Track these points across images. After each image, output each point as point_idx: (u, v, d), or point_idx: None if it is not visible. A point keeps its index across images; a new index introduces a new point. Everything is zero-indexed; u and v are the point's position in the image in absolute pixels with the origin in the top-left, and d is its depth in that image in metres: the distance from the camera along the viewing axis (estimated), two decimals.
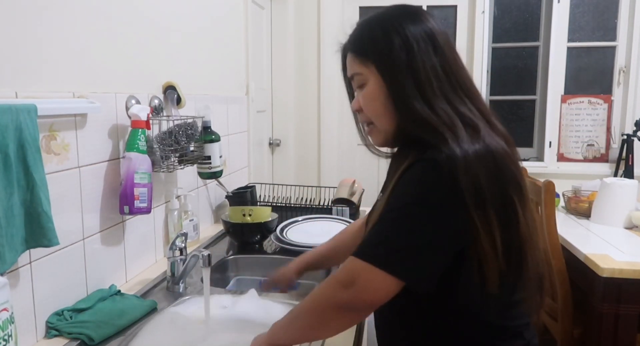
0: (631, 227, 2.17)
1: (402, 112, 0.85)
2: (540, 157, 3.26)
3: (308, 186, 2.17)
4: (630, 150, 2.94)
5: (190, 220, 1.67)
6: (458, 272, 0.82)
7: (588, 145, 3.22)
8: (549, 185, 1.91)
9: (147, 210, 1.29)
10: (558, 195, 2.42)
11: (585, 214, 2.35)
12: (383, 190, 1.06)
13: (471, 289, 0.83)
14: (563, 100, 3.20)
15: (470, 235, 0.78)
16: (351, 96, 1.00)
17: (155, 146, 1.39)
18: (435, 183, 0.77)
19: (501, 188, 0.79)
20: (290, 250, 1.61)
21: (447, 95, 0.84)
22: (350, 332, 1.09)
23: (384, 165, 1.15)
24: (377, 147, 1.01)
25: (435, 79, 0.84)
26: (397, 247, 0.78)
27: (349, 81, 0.98)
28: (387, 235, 0.80)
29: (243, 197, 1.98)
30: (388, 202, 0.83)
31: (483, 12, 3.13)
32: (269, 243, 1.73)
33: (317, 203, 2.09)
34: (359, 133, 1.01)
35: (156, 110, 1.47)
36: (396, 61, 0.85)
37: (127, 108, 1.32)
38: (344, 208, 1.98)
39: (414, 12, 0.90)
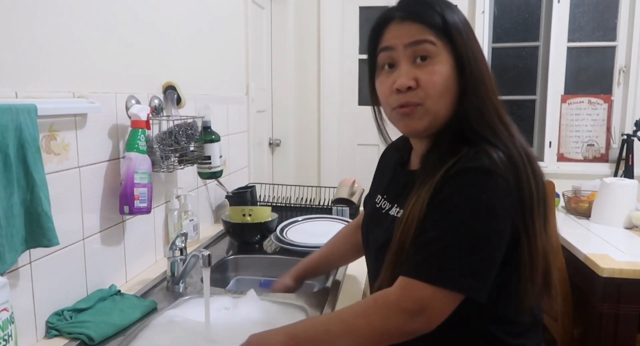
0: (631, 227, 2.17)
1: (480, 110, 0.82)
2: (540, 157, 3.25)
3: (308, 186, 2.16)
4: (630, 150, 2.94)
5: (190, 220, 1.67)
6: (499, 278, 0.80)
7: (588, 145, 3.22)
8: (549, 185, 1.89)
9: (147, 210, 1.29)
10: (558, 195, 2.42)
11: (585, 214, 2.35)
12: (381, 192, 1.02)
13: (502, 291, 0.82)
14: (563, 100, 3.20)
15: (516, 242, 0.78)
16: (373, 93, 0.92)
17: (155, 146, 1.39)
18: (494, 194, 0.75)
19: (540, 196, 0.79)
20: (290, 250, 1.61)
21: (498, 98, 0.85)
22: None
23: None
24: (386, 132, 0.96)
25: (492, 76, 0.85)
26: (462, 265, 0.75)
27: (375, 53, 0.88)
28: (451, 254, 0.75)
29: (243, 197, 1.98)
30: (438, 215, 0.78)
31: (483, 12, 3.13)
32: (269, 243, 1.73)
33: (317, 203, 2.09)
34: (378, 129, 0.96)
35: (156, 110, 1.47)
36: (477, 51, 0.84)
37: (127, 108, 1.32)
38: (344, 208, 1.98)
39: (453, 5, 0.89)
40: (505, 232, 0.77)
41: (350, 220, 1.86)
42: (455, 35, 0.82)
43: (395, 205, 0.92)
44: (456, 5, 0.88)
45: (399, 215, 0.86)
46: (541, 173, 0.82)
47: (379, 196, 1.01)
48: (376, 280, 0.88)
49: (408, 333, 0.77)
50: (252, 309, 1.13)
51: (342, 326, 0.79)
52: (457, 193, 0.77)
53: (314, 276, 1.26)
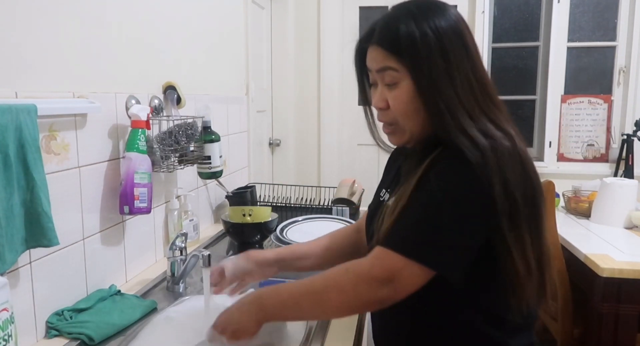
0: (631, 227, 2.17)
1: (442, 121, 0.82)
2: (540, 157, 3.25)
3: (308, 186, 2.16)
4: (630, 150, 2.94)
5: (190, 220, 1.67)
6: (481, 271, 0.81)
7: (588, 145, 3.22)
8: (549, 185, 1.91)
9: (147, 210, 1.29)
10: (558, 195, 2.42)
11: (585, 214, 2.35)
12: (385, 186, 1.04)
13: (492, 288, 0.82)
14: (563, 100, 3.20)
15: (500, 247, 0.78)
16: (363, 93, 0.96)
17: (155, 146, 1.39)
18: (478, 184, 0.76)
19: (532, 196, 0.79)
20: None
21: (479, 101, 0.83)
22: (351, 330, 1.09)
23: (384, 164, 1.14)
24: (387, 143, 0.98)
25: (469, 86, 0.82)
26: (434, 242, 0.77)
27: (362, 76, 0.94)
28: (424, 229, 0.78)
29: (243, 197, 1.98)
30: (416, 196, 0.80)
31: (483, 12, 3.13)
32: (269, 243, 1.73)
33: (317, 203, 2.09)
34: (369, 128, 0.99)
35: (156, 110, 1.47)
36: (435, 68, 0.82)
37: (127, 108, 1.31)
38: (344, 208, 1.98)
39: (443, 8, 0.86)
40: (479, 221, 0.77)
41: (350, 220, 1.86)
42: (411, 56, 0.83)
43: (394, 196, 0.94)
44: (437, 9, 0.86)
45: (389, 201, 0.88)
46: (530, 176, 0.80)
47: (383, 190, 1.04)
48: None
49: (377, 301, 0.79)
50: None
51: (312, 298, 0.81)
52: (439, 174, 0.80)
53: (297, 268, 1.14)
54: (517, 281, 0.79)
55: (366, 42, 0.90)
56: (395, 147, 1.08)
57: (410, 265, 0.77)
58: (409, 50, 0.83)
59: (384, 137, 0.97)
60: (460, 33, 0.85)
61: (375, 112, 0.95)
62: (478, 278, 0.82)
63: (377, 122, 0.97)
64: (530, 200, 0.79)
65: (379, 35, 0.87)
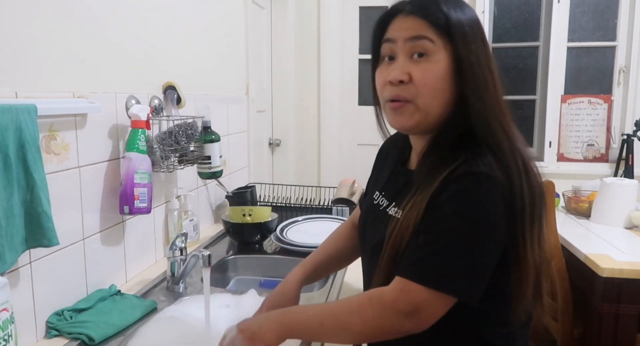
0: (631, 227, 2.17)
1: (477, 108, 0.79)
2: (540, 157, 3.25)
3: (308, 186, 2.16)
4: (630, 150, 2.94)
5: (190, 220, 1.67)
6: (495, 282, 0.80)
7: (588, 145, 3.22)
8: (549, 185, 1.91)
9: (147, 210, 1.29)
10: (558, 195, 2.42)
11: (585, 214, 2.35)
12: (379, 188, 1.00)
13: (492, 292, 0.81)
14: (563, 100, 3.20)
15: (512, 251, 0.78)
16: (375, 60, 0.89)
17: (155, 146, 1.39)
18: (489, 200, 0.75)
19: (536, 208, 0.78)
20: (290, 250, 1.61)
21: (503, 97, 0.82)
22: None
23: None
24: (386, 129, 0.95)
25: (492, 80, 0.81)
26: (457, 269, 0.76)
27: (378, 44, 0.87)
28: (445, 257, 0.76)
29: (243, 197, 1.98)
30: (432, 220, 0.78)
31: (483, 12, 3.13)
32: (269, 243, 1.73)
33: (317, 203, 2.09)
34: (379, 129, 0.96)
35: (156, 110, 1.47)
36: (475, 50, 0.80)
37: (127, 108, 1.32)
38: (344, 208, 1.98)
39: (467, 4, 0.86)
40: (500, 238, 0.77)
41: None
42: (456, 35, 0.80)
43: (394, 204, 0.91)
44: (468, 5, 0.85)
45: (397, 214, 0.85)
46: (538, 185, 0.80)
47: (377, 192, 1.00)
48: (371, 277, 0.88)
49: (401, 332, 0.78)
50: (253, 307, 1.12)
51: (335, 322, 0.80)
52: (453, 197, 0.76)
53: (317, 280, 1.19)
54: (525, 277, 0.79)
55: (396, 13, 0.85)
56: (386, 139, 1.05)
57: (434, 295, 0.75)
58: (455, 25, 0.80)
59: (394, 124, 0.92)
60: (481, 27, 0.85)
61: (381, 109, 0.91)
62: (491, 291, 0.81)
63: (387, 123, 0.92)
64: (533, 207, 0.78)
65: (418, 5, 0.83)
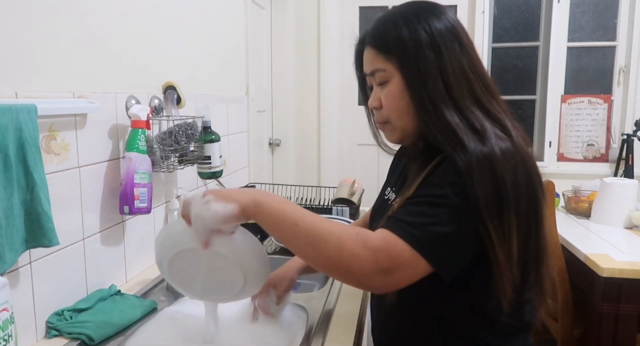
0: (631, 227, 2.17)
1: (428, 116, 0.82)
2: (540, 157, 3.25)
3: (308, 186, 2.17)
4: (630, 150, 2.94)
5: None
6: (476, 272, 0.80)
7: (588, 145, 3.22)
8: (549, 185, 1.91)
9: (147, 210, 1.29)
10: (558, 195, 2.42)
11: (585, 214, 2.35)
12: (390, 185, 1.05)
13: (485, 289, 0.81)
14: (563, 100, 3.20)
15: (485, 242, 0.76)
16: (363, 93, 0.97)
17: (155, 146, 1.39)
18: (456, 185, 0.75)
19: (528, 193, 0.77)
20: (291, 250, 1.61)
21: (477, 96, 0.82)
22: (350, 331, 1.09)
23: (384, 164, 1.14)
24: (388, 145, 0.98)
25: (464, 79, 0.82)
26: (436, 235, 0.75)
27: (363, 77, 0.95)
28: (429, 221, 0.75)
29: None
30: (420, 188, 0.80)
31: (483, 12, 3.13)
32: (269, 243, 1.73)
33: (317, 203, 2.09)
34: (371, 130, 0.99)
35: (156, 110, 1.47)
36: (424, 61, 0.82)
37: (127, 108, 1.32)
38: (344, 208, 1.98)
39: (436, 8, 0.87)
40: (470, 223, 0.75)
41: (350, 220, 1.86)
42: (398, 51, 0.84)
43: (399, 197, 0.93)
44: (429, 11, 0.86)
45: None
46: (535, 169, 0.79)
47: (388, 188, 1.04)
48: None
49: (364, 282, 0.76)
50: (251, 306, 1.12)
51: (311, 231, 0.76)
52: (437, 175, 0.79)
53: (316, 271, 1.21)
54: (497, 271, 0.77)
55: (361, 44, 0.93)
56: (397, 146, 1.09)
57: (415, 259, 0.74)
58: (396, 46, 0.84)
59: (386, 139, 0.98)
60: (454, 32, 0.85)
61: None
62: (470, 279, 0.81)
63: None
64: (520, 195, 0.76)
65: (370, 36, 0.89)
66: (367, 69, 0.90)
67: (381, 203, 1.03)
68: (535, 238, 0.79)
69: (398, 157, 1.13)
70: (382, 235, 0.76)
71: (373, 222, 1.03)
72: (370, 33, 0.89)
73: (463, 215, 0.75)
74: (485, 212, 0.74)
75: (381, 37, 0.87)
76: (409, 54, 0.83)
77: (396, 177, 1.05)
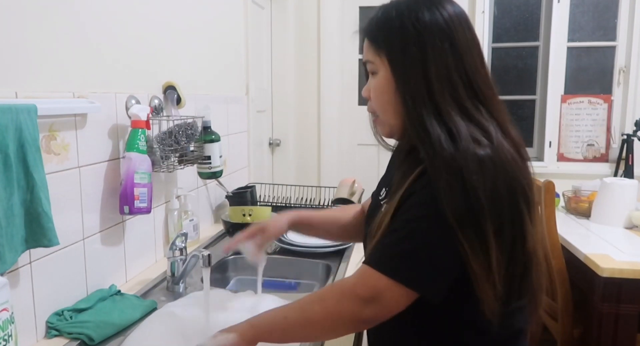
0: (631, 227, 2.17)
1: (407, 114, 0.81)
2: (540, 157, 3.26)
3: (308, 186, 2.17)
4: (630, 150, 2.94)
5: (190, 220, 1.67)
6: (461, 283, 0.78)
7: (588, 145, 3.21)
8: (549, 185, 1.91)
9: (147, 210, 1.29)
10: (558, 195, 2.42)
11: (585, 214, 2.35)
12: (386, 184, 1.04)
13: (471, 299, 0.79)
14: (563, 100, 3.20)
15: (462, 254, 0.74)
16: (367, 80, 0.96)
17: (155, 146, 1.39)
18: (430, 201, 0.75)
19: (510, 203, 0.74)
20: (290, 250, 1.61)
21: (460, 101, 0.79)
22: (349, 339, 1.09)
23: (384, 164, 1.13)
24: (384, 139, 0.97)
25: (448, 82, 0.79)
26: (416, 261, 0.75)
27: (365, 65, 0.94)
28: (406, 248, 0.76)
29: (243, 197, 1.98)
30: (399, 212, 0.79)
31: (483, 12, 3.12)
32: (269, 243, 1.73)
33: (317, 203, 2.09)
34: (370, 124, 0.98)
35: (156, 110, 1.47)
36: (409, 57, 0.80)
37: (127, 108, 1.32)
38: None
39: (434, 4, 0.82)
40: (448, 240, 0.74)
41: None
42: (387, 44, 0.84)
43: (387, 199, 0.93)
44: (425, 5, 0.82)
45: (384, 208, 0.87)
46: (517, 179, 0.76)
47: (384, 189, 1.02)
48: None
49: (361, 320, 0.78)
50: (253, 305, 1.12)
51: (299, 312, 0.80)
52: (416, 192, 0.78)
53: (306, 230, 1.19)
54: (475, 283, 0.75)
55: (363, 33, 0.92)
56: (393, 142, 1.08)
57: (394, 286, 0.75)
58: (386, 39, 0.84)
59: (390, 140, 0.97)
60: (446, 30, 0.80)
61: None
62: (457, 290, 0.79)
63: None
64: (500, 204, 0.73)
65: (366, 26, 0.89)
66: (363, 58, 0.91)
67: (376, 203, 1.02)
68: (521, 249, 0.77)
69: (395, 155, 1.11)
70: (358, 272, 0.80)
71: (367, 222, 1.03)
72: (367, 23, 0.89)
73: (436, 231, 0.74)
74: (455, 222, 0.72)
75: (374, 28, 0.87)
76: (395, 48, 0.82)
77: (391, 177, 1.03)
